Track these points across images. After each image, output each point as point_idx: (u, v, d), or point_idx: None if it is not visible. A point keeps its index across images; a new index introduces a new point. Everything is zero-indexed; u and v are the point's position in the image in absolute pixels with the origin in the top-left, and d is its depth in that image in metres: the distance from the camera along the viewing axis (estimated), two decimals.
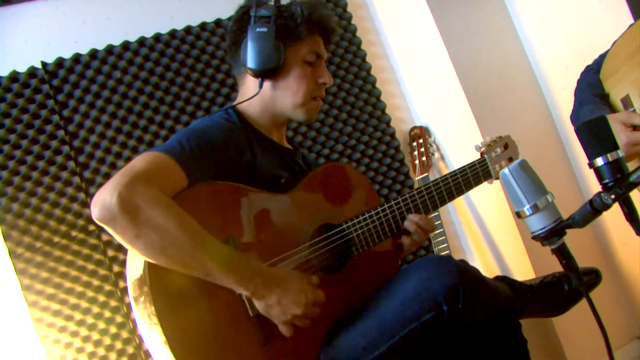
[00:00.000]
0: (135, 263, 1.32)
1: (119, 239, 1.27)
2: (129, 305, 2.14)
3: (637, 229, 1.11)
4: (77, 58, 2.25)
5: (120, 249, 2.17)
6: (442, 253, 2.44)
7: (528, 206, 1.12)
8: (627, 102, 1.71)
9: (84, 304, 2.09)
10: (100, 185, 2.16)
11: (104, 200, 1.24)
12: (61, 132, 2.18)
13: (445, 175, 1.70)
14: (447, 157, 2.70)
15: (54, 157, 2.16)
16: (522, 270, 2.46)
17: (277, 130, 1.70)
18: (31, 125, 2.16)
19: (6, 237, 2.05)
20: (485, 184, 1.81)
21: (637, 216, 1.12)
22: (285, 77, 1.60)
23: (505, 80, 2.63)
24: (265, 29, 1.54)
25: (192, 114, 2.36)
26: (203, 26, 2.47)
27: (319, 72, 1.64)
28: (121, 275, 2.16)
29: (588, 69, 1.92)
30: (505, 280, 1.71)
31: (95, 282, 2.12)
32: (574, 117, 1.85)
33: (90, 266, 2.13)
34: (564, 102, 2.61)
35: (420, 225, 1.62)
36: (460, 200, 2.70)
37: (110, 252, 2.17)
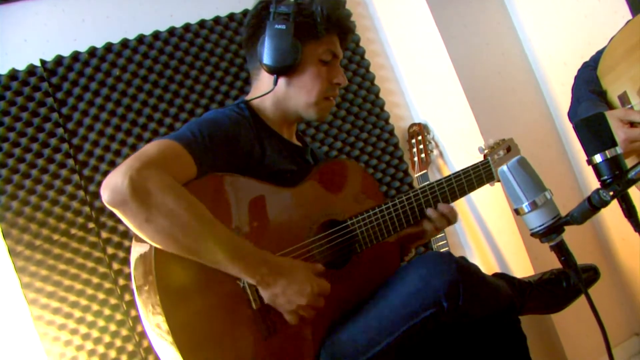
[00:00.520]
0: (141, 251, 1.33)
1: (128, 223, 1.26)
2: (128, 303, 2.14)
3: (635, 225, 1.12)
4: (76, 56, 2.25)
5: (120, 246, 2.17)
6: (442, 250, 2.44)
7: (527, 203, 1.12)
8: (624, 98, 1.71)
9: (83, 302, 2.09)
10: (99, 183, 2.17)
11: (115, 183, 1.24)
12: (60, 130, 2.18)
13: (449, 175, 1.70)
14: (446, 154, 2.70)
15: (53, 154, 2.16)
16: (521, 267, 2.46)
17: (288, 127, 1.70)
18: (30, 123, 2.16)
19: (5, 235, 2.05)
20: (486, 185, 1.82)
21: (635, 213, 1.12)
22: (301, 75, 1.60)
23: (504, 78, 2.64)
24: (284, 26, 1.53)
25: (190, 112, 2.36)
26: (202, 24, 2.46)
27: (334, 72, 1.64)
28: (121, 272, 2.16)
29: (585, 65, 1.92)
30: (504, 277, 1.71)
31: (95, 280, 2.13)
32: (572, 114, 1.85)
33: (90, 264, 2.13)
34: (562, 99, 2.62)
35: (444, 212, 1.64)
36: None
37: (110, 250, 2.17)
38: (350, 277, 1.54)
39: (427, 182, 1.70)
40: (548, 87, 2.68)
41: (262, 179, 1.48)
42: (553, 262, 1.22)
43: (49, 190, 2.13)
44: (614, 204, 1.12)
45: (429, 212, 1.64)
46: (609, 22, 2.28)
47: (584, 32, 2.41)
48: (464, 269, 1.36)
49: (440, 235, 2.45)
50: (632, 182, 1.10)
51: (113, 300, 2.13)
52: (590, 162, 1.14)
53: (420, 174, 2.56)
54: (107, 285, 2.14)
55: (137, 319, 2.14)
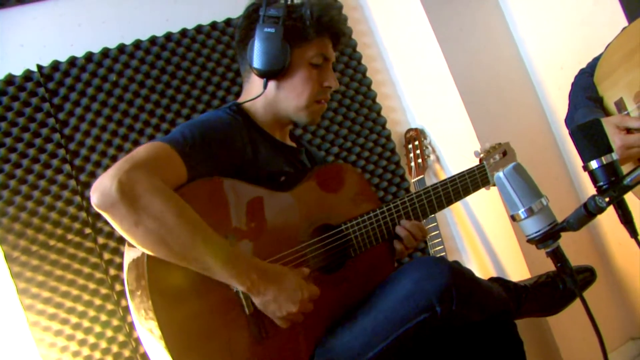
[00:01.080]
0: (134, 256, 1.32)
1: (116, 226, 1.26)
2: (125, 309, 2.14)
3: (631, 231, 1.12)
4: (72, 61, 2.25)
5: (117, 252, 2.17)
6: (438, 254, 2.45)
7: (523, 209, 1.12)
8: (620, 105, 1.72)
9: (80, 308, 2.09)
10: None
11: (104, 186, 1.23)
12: (57, 135, 2.18)
13: (444, 180, 1.70)
14: (443, 159, 2.71)
15: (50, 160, 2.16)
16: (518, 271, 2.46)
17: (281, 128, 1.70)
18: (27, 129, 2.15)
19: (2, 241, 2.04)
20: (482, 189, 1.82)
21: (631, 218, 1.12)
22: (290, 78, 1.59)
23: (500, 82, 2.64)
24: (273, 30, 1.53)
25: (187, 117, 2.36)
26: (199, 29, 2.47)
27: (325, 75, 1.64)
28: (117, 278, 2.16)
29: (582, 72, 1.92)
30: (499, 281, 1.72)
31: (92, 286, 2.12)
32: (569, 121, 1.85)
33: (87, 269, 2.12)
34: (559, 103, 2.62)
35: (412, 231, 1.63)
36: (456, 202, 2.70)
37: (106, 256, 2.16)
38: (345, 281, 1.55)
39: (421, 186, 1.69)
40: (544, 91, 2.68)
41: (256, 181, 1.47)
42: (549, 267, 1.22)
43: (46, 196, 2.12)
44: (611, 209, 1.12)
45: (397, 229, 1.63)
46: (605, 26, 2.29)
47: (580, 36, 2.42)
48: (457, 273, 1.36)
49: (437, 240, 2.46)
50: (628, 188, 1.10)
51: (110, 306, 2.13)
52: (586, 168, 1.14)
53: (417, 179, 2.56)
54: (103, 291, 2.13)
55: (133, 325, 2.14)
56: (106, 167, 2.18)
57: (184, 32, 2.44)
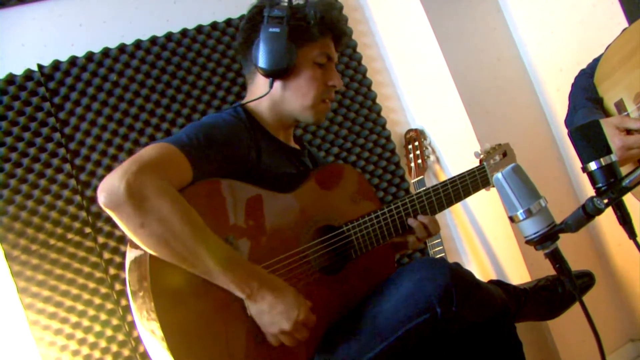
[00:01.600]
0: (136, 257, 1.33)
1: (122, 226, 1.27)
2: (125, 308, 2.14)
3: (630, 232, 1.12)
4: (73, 61, 2.25)
5: (117, 251, 2.17)
6: (438, 256, 2.45)
7: (521, 211, 1.12)
8: (620, 106, 1.72)
9: (79, 307, 2.09)
10: (96, 188, 2.16)
11: (111, 186, 1.24)
12: (57, 135, 2.18)
13: (445, 181, 1.71)
14: (443, 159, 2.71)
15: (50, 159, 2.16)
16: (518, 273, 2.46)
17: (284, 130, 1.70)
18: (27, 128, 2.16)
19: (2, 240, 2.05)
20: (482, 190, 1.82)
21: (630, 220, 1.12)
22: (296, 78, 1.60)
23: (500, 83, 2.64)
24: (277, 30, 1.54)
25: (187, 117, 2.36)
26: (199, 29, 2.47)
27: (329, 74, 1.65)
28: (117, 277, 2.16)
29: (582, 73, 1.92)
30: (499, 284, 1.72)
31: (91, 285, 2.12)
32: (568, 122, 1.85)
33: (87, 269, 2.13)
34: (558, 104, 2.62)
35: (424, 222, 1.65)
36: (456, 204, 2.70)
37: (106, 255, 2.17)
38: (346, 282, 1.55)
39: (424, 188, 1.70)
40: (544, 92, 2.68)
41: (259, 183, 1.48)
42: (549, 269, 1.22)
43: (46, 195, 2.13)
44: (610, 210, 1.12)
45: (410, 221, 1.65)
46: (605, 27, 2.29)
47: (580, 37, 2.42)
48: (458, 274, 1.37)
49: (436, 241, 2.46)
50: (626, 189, 1.10)
51: (109, 306, 2.13)
52: (585, 169, 1.14)
53: (416, 179, 2.57)
54: (103, 290, 2.14)
55: (133, 324, 2.14)
56: (107, 167, 2.19)
57: (184, 32, 2.44)
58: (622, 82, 1.71)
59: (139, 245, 1.28)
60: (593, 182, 1.13)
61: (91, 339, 2.09)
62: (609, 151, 1.12)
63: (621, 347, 2.59)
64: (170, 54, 2.39)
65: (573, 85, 1.92)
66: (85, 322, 2.09)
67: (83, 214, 2.15)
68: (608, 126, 1.64)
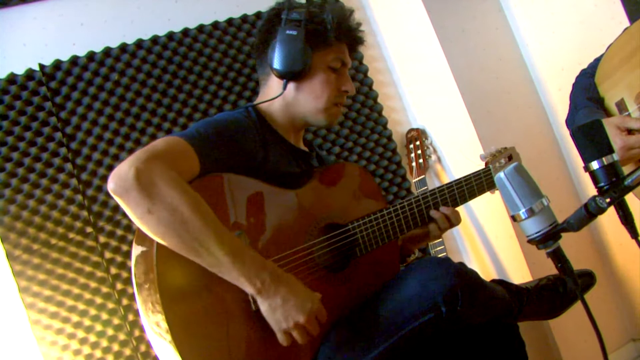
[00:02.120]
0: (143, 250, 1.33)
1: (130, 213, 1.27)
2: (126, 307, 2.14)
3: (632, 232, 1.12)
4: (74, 60, 2.26)
5: (118, 250, 2.17)
6: (439, 255, 2.45)
7: (523, 210, 1.12)
8: (621, 106, 1.72)
9: (81, 306, 2.09)
10: (97, 187, 2.18)
11: (120, 172, 1.25)
12: (59, 134, 2.18)
13: (450, 182, 1.71)
14: (444, 159, 2.71)
15: (52, 159, 2.16)
16: (519, 273, 2.46)
17: (295, 133, 1.71)
18: (29, 128, 2.16)
19: (3, 239, 2.05)
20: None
21: (632, 219, 1.12)
22: (310, 81, 1.61)
23: (501, 83, 2.64)
24: (295, 32, 1.55)
25: (189, 116, 2.37)
26: (200, 28, 2.47)
27: (343, 80, 1.66)
28: (119, 277, 2.16)
29: (583, 72, 1.92)
30: (501, 283, 1.71)
31: (93, 284, 2.13)
32: (569, 122, 1.85)
33: (88, 268, 2.13)
34: (560, 104, 2.62)
35: (446, 213, 1.68)
36: None
37: (108, 254, 2.17)
38: (350, 280, 1.55)
39: (428, 189, 1.70)
40: (546, 92, 2.68)
41: (265, 180, 1.48)
42: (551, 268, 1.22)
43: (47, 194, 2.13)
44: (612, 209, 1.12)
45: (432, 213, 1.67)
46: (606, 27, 2.29)
47: (582, 37, 2.42)
48: (463, 274, 1.37)
49: (438, 241, 2.46)
50: (628, 189, 1.10)
51: (111, 305, 2.13)
52: (587, 168, 1.14)
53: (418, 179, 2.57)
54: (104, 289, 2.14)
55: (134, 324, 2.14)
56: (108, 166, 2.20)
57: (185, 32, 2.44)
58: (623, 82, 1.71)
59: (147, 232, 1.28)
60: (595, 181, 1.13)
61: (93, 338, 2.09)
62: (611, 150, 1.12)
63: (622, 347, 2.59)
64: (171, 53, 2.39)
65: (574, 85, 1.92)
66: (87, 322, 2.09)
67: (84, 213, 2.15)
68: (609, 126, 1.64)
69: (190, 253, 1.28)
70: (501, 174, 1.14)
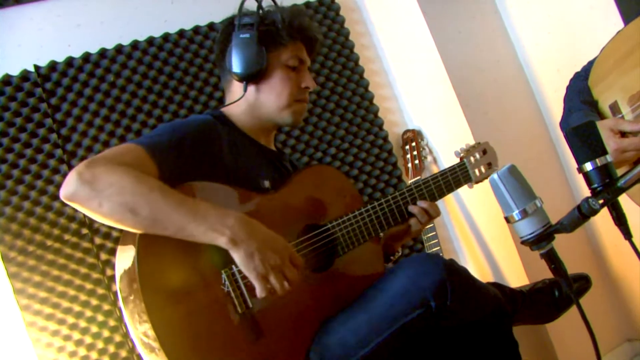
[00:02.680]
0: (125, 263, 1.33)
1: (87, 212, 1.30)
2: (121, 309, 2.14)
3: (625, 233, 1.12)
4: (70, 61, 2.25)
5: (113, 252, 2.17)
6: (432, 249, 2.45)
7: (517, 211, 1.13)
8: (615, 108, 1.72)
9: (76, 308, 2.09)
10: None
11: (66, 179, 1.29)
12: (54, 136, 2.18)
13: (427, 177, 1.74)
14: (440, 160, 2.71)
15: (47, 160, 2.16)
16: (515, 275, 2.47)
17: (266, 135, 1.73)
18: (24, 129, 2.15)
19: None
20: (473, 188, 1.83)
21: (625, 220, 1.12)
22: (269, 80, 1.64)
23: (497, 84, 2.65)
24: (247, 35, 1.60)
25: (185, 117, 2.36)
26: (196, 30, 2.47)
27: (302, 76, 1.69)
28: (114, 279, 2.16)
29: (577, 75, 1.92)
30: (496, 286, 1.72)
31: (88, 286, 2.12)
32: (563, 124, 1.85)
33: (83, 270, 2.13)
34: (555, 106, 2.63)
35: (424, 207, 1.69)
36: (453, 205, 2.71)
37: (103, 256, 2.17)
38: (335, 279, 1.56)
39: (406, 185, 1.72)
40: (541, 93, 2.69)
41: (238, 184, 1.49)
42: (546, 270, 1.22)
43: (43, 196, 2.12)
44: (607, 210, 1.12)
45: (411, 208, 1.69)
46: (601, 29, 2.30)
47: (577, 39, 2.43)
48: (452, 269, 1.37)
49: (433, 242, 2.46)
50: (622, 190, 1.11)
51: (106, 306, 2.13)
52: (580, 170, 1.14)
53: (414, 180, 2.57)
54: (100, 291, 2.14)
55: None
56: None
57: (181, 33, 2.44)
58: (617, 85, 1.71)
59: (110, 223, 1.30)
60: (589, 182, 1.14)
61: (88, 340, 2.09)
62: (604, 152, 1.12)
63: (618, 347, 2.60)
64: (167, 54, 2.39)
65: (568, 88, 1.92)
66: (83, 324, 2.09)
67: (80, 215, 2.15)
68: (603, 128, 1.64)
69: (154, 227, 1.29)
70: (495, 176, 1.15)
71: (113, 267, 2.16)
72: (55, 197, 2.13)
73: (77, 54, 2.27)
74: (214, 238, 1.29)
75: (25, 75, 2.19)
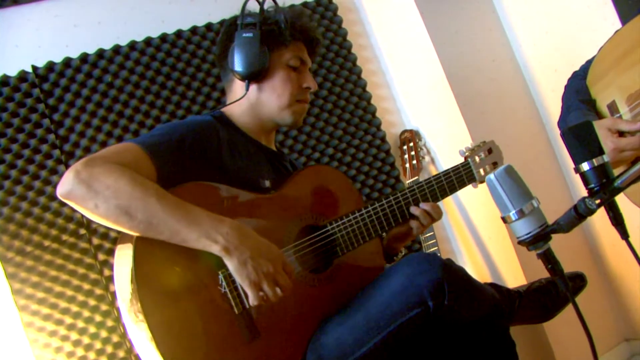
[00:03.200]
0: (122, 269, 1.33)
1: (83, 211, 1.31)
2: (119, 309, 2.14)
3: (622, 233, 1.12)
4: (67, 62, 2.25)
5: (111, 253, 2.17)
6: (430, 249, 2.45)
7: (514, 211, 1.12)
8: (613, 107, 1.72)
9: (74, 308, 2.09)
10: None
11: (63, 177, 1.30)
12: (52, 136, 2.18)
13: (429, 177, 1.72)
14: (438, 160, 2.71)
15: (45, 160, 2.16)
16: (513, 275, 2.47)
17: (266, 135, 1.73)
18: (22, 129, 2.15)
19: None
20: (471, 188, 1.82)
21: (622, 220, 1.12)
22: (271, 80, 1.65)
23: (495, 84, 2.65)
24: (250, 34, 1.59)
25: (183, 118, 2.36)
26: (194, 30, 2.47)
27: (303, 77, 1.69)
28: (112, 279, 2.16)
29: (575, 75, 1.93)
30: (493, 286, 1.72)
31: (86, 286, 2.12)
32: (561, 124, 1.85)
33: (81, 270, 2.13)
34: (553, 105, 2.63)
35: (426, 209, 1.68)
36: (451, 205, 2.71)
37: (101, 256, 2.17)
38: (334, 280, 1.56)
39: (408, 185, 1.71)
40: (539, 93, 2.69)
41: (237, 184, 1.49)
42: (544, 270, 1.22)
43: (40, 197, 2.12)
44: (604, 210, 1.12)
45: (413, 209, 1.68)
46: (599, 28, 2.30)
47: (575, 39, 2.43)
48: (449, 268, 1.37)
49: (431, 242, 2.46)
50: (619, 190, 1.10)
51: (104, 307, 2.13)
52: (577, 170, 1.14)
53: (411, 180, 2.57)
54: (98, 291, 2.14)
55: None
56: None
57: (179, 34, 2.44)
58: (615, 84, 1.71)
59: (105, 223, 1.30)
60: (585, 182, 1.13)
61: (86, 340, 2.09)
62: (601, 152, 1.12)
63: (616, 347, 2.60)
64: (164, 55, 2.39)
65: (566, 87, 1.92)
66: (80, 324, 2.09)
67: (77, 215, 2.15)
68: (600, 128, 1.64)
69: (150, 232, 1.29)
70: (491, 176, 1.15)
71: (111, 268, 2.17)
72: (53, 197, 2.13)
73: (74, 54, 2.27)
74: (207, 245, 1.30)
75: (22, 76, 2.19)
